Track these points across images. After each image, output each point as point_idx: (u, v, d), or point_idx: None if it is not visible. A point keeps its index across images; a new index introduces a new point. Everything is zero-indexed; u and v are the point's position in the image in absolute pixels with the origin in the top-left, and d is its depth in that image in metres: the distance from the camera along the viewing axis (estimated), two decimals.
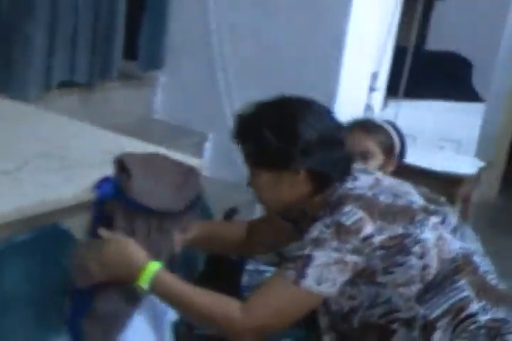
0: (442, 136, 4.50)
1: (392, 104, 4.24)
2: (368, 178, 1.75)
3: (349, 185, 1.71)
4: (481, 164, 3.93)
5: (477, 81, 4.88)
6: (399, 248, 1.64)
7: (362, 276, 1.66)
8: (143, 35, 3.82)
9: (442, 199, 1.83)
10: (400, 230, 1.64)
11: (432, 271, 1.67)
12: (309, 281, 1.60)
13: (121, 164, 1.67)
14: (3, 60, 3.27)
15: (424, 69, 4.67)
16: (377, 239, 1.62)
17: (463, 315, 1.69)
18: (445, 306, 1.68)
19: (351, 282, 1.67)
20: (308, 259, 1.61)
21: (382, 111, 4.13)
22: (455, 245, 1.71)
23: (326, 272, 1.60)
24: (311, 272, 1.60)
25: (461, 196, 3.89)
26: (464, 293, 1.69)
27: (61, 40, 3.36)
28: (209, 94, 3.86)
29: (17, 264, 2.09)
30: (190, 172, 1.72)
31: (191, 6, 3.83)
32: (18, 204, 2.11)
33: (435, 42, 5.27)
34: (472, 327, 1.69)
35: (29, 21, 3.22)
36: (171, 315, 1.87)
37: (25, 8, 3.19)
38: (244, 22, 3.67)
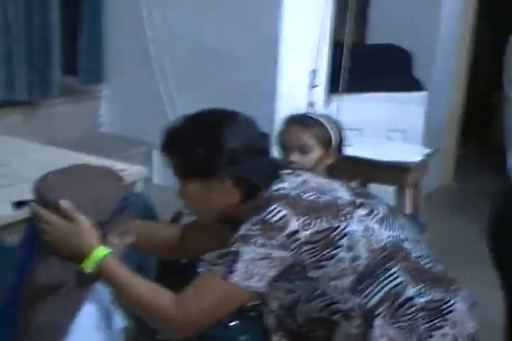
0: (388, 126, 4.55)
1: (336, 100, 4.29)
2: (295, 180, 1.80)
3: (275, 187, 1.76)
4: (427, 151, 3.99)
5: (418, 71, 4.95)
6: (326, 242, 1.67)
7: (293, 272, 1.70)
8: (80, 49, 3.84)
9: (370, 192, 1.89)
10: (324, 224, 1.68)
11: (362, 261, 1.70)
12: (237, 276, 1.63)
13: (38, 190, 1.67)
14: None
15: (366, 63, 4.73)
16: (303, 235, 1.66)
17: (400, 300, 1.73)
18: (381, 294, 1.72)
19: (285, 278, 1.71)
20: (236, 255, 1.64)
21: (325, 107, 4.18)
22: (383, 235, 1.75)
23: (253, 267, 1.63)
24: (239, 267, 1.63)
25: (411, 183, 3.95)
26: (398, 280, 1.73)
27: None
28: (152, 103, 3.89)
29: None
30: (110, 177, 1.72)
31: (125, 18, 3.86)
32: None
33: (375, 37, 5.34)
34: (411, 310, 1.73)
35: None
36: (120, 320, 1.88)
37: None
38: (179, 29, 3.71)
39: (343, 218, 1.70)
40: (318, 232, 1.67)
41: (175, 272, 2.44)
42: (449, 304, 1.79)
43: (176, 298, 1.64)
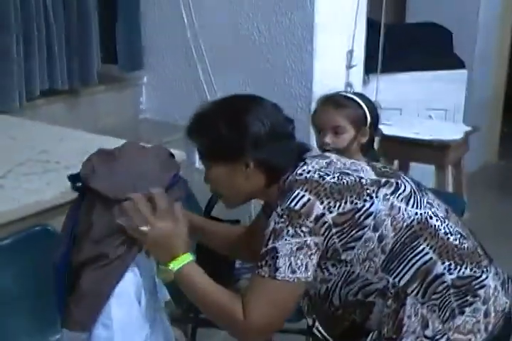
0: (429, 106, 4.53)
1: (375, 79, 4.28)
2: (319, 162, 1.81)
3: (299, 170, 1.78)
4: (467, 129, 3.97)
5: (459, 49, 4.90)
6: (352, 222, 1.69)
7: (327, 258, 1.73)
8: (119, 37, 3.88)
9: (396, 170, 1.91)
10: (348, 206, 1.69)
11: (390, 240, 1.72)
12: (283, 272, 1.65)
13: (88, 162, 1.74)
14: None
15: (406, 42, 4.71)
16: (329, 217, 1.68)
17: (430, 277, 1.75)
18: (411, 272, 1.74)
19: (320, 266, 1.73)
20: (274, 252, 1.66)
21: (363, 87, 4.17)
22: (409, 212, 1.75)
23: (294, 259, 1.66)
24: (282, 263, 1.65)
25: (451, 162, 3.94)
26: (427, 257, 1.75)
27: (37, 50, 3.42)
28: (192, 89, 3.92)
29: (7, 265, 2.18)
30: (163, 156, 1.78)
31: (163, 4, 3.90)
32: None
33: (415, 16, 5.30)
34: (441, 287, 1.75)
35: (3, 34, 3.28)
36: (163, 294, 1.93)
37: None
38: (215, 13, 3.73)
39: (367, 198, 1.72)
40: (343, 214, 1.69)
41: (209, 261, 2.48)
42: (479, 280, 1.80)
43: (243, 305, 1.66)
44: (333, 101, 2.54)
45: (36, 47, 3.42)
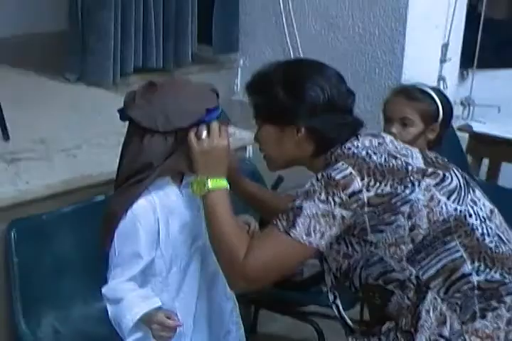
0: None
1: (480, 75, 4.17)
2: (372, 140, 1.78)
3: (348, 144, 1.76)
4: None
5: None
6: (386, 206, 1.65)
7: (353, 234, 1.70)
8: (216, 19, 3.93)
9: (449, 163, 1.83)
10: (387, 189, 1.66)
11: (422, 231, 1.67)
12: (299, 231, 1.64)
13: (131, 92, 1.87)
14: (80, 48, 3.50)
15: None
16: (365, 196, 1.64)
17: (456, 275, 1.70)
18: (437, 266, 1.69)
19: (344, 240, 1.72)
20: (298, 210, 1.66)
21: (460, 82, 4.10)
22: (449, 207, 1.70)
23: (314, 223, 1.64)
24: (301, 222, 1.64)
25: None
26: (457, 254, 1.69)
27: (133, 28, 3.54)
28: None
29: (69, 232, 2.29)
30: (204, 90, 1.85)
31: None
32: (65, 177, 2.32)
33: None
34: (465, 287, 1.70)
35: (102, 12, 3.42)
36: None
37: None
38: (309, 0, 3.75)
39: (409, 184, 1.67)
40: (380, 195, 1.65)
41: None
42: (508, 286, 1.73)
43: (247, 251, 1.68)
44: (407, 92, 2.50)
45: (133, 26, 3.54)
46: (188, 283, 1.93)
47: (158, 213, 1.83)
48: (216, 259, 1.80)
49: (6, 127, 2.64)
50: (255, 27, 4.02)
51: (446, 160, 1.85)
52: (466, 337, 1.69)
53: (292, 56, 3.86)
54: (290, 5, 3.81)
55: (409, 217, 1.67)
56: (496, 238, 1.75)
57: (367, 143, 1.76)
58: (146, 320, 1.79)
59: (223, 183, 1.79)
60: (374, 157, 1.71)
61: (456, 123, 3.99)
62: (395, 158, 1.73)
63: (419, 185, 1.69)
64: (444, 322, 1.70)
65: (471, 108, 3.98)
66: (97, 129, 2.78)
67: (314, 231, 1.65)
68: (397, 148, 1.79)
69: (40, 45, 3.81)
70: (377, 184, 1.66)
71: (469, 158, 3.79)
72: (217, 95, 1.88)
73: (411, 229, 1.68)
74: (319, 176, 1.68)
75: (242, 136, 2.87)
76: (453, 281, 1.70)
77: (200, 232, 1.90)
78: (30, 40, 3.80)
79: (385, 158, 1.71)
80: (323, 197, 1.65)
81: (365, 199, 1.65)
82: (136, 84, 3.61)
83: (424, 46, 3.59)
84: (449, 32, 3.65)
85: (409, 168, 1.71)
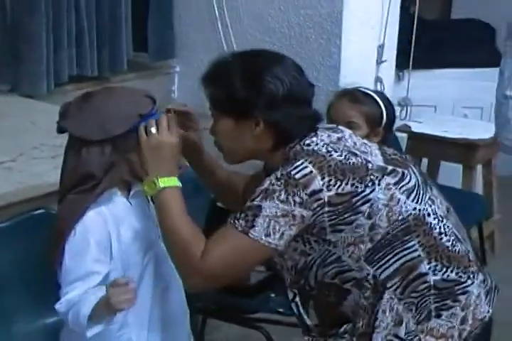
0: (465, 103, 4.44)
1: (416, 75, 4.22)
2: (331, 135, 1.74)
3: (307, 141, 1.71)
4: None
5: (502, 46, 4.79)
6: (347, 206, 1.63)
7: (312, 233, 1.67)
8: (150, 26, 3.89)
9: (407, 160, 1.81)
10: (348, 188, 1.63)
11: (381, 230, 1.66)
12: (257, 231, 1.61)
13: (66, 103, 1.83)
14: (11, 58, 3.41)
15: (447, 38, 4.64)
16: (325, 195, 1.61)
17: (413, 275, 1.69)
18: (395, 266, 1.68)
19: (302, 238, 1.69)
20: (257, 209, 1.62)
21: (397, 83, 4.13)
22: (408, 206, 1.69)
23: (274, 223, 1.61)
24: (260, 222, 1.61)
25: (480, 161, 3.86)
26: (415, 254, 1.69)
27: (66, 36, 3.47)
28: None
29: (7, 246, 2.21)
30: (134, 94, 1.82)
31: None
32: (1, 191, 2.25)
33: (460, 13, 5.21)
34: (422, 286, 1.70)
35: (33, 18, 3.33)
36: None
37: (28, 5, 3.31)
38: (244, 5, 3.73)
39: (369, 183, 1.65)
40: (340, 195, 1.62)
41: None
42: (463, 285, 1.75)
43: (204, 250, 1.64)
44: (350, 95, 2.49)
45: (65, 33, 3.46)
46: (142, 295, 1.87)
47: (110, 225, 1.79)
48: (170, 258, 1.75)
49: None
50: (191, 33, 3.99)
51: (404, 156, 1.83)
52: (421, 336, 1.70)
53: None
54: (225, 10, 3.78)
55: (369, 217, 1.65)
56: (452, 237, 1.75)
57: (326, 139, 1.72)
58: (104, 303, 1.71)
59: (174, 181, 1.74)
60: (334, 154, 1.67)
61: (395, 124, 4.04)
62: (355, 155, 1.70)
63: (379, 183, 1.66)
64: (401, 323, 1.70)
65: (409, 108, 4.02)
66: (32, 141, 2.72)
67: (274, 231, 1.62)
68: (356, 143, 1.76)
69: None
70: (338, 183, 1.63)
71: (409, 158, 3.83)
72: (154, 101, 1.82)
73: (370, 229, 1.66)
74: (279, 175, 1.64)
75: None
76: (410, 281, 1.70)
77: (153, 241, 1.87)
78: None
79: (346, 156, 1.68)
80: (282, 196, 1.61)
81: (326, 199, 1.62)
82: (72, 93, 3.60)
83: (360, 48, 3.60)
84: (384, 33, 3.67)
85: (369, 165, 1.68)
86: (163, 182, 1.72)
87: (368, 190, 1.64)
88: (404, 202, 1.68)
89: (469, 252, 1.79)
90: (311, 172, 1.63)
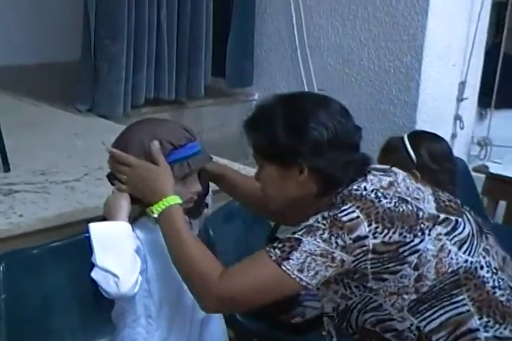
0: None
1: (499, 114, 4.09)
2: (381, 179, 1.68)
3: (355, 186, 1.64)
4: None
5: None
6: (392, 255, 1.56)
7: (352, 278, 1.61)
8: (229, 54, 3.90)
9: (462, 207, 1.72)
10: (395, 237, 1.56)
11: (428, 282, 1.58)
12: (291, 265, 1.55)
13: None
14: (92, 79, 3.47)
15: None
16: (370, 242, 1.55)
17: (461, 330, 1.59)
18: (442, 319, 1.60)
19: (342, 282, 1.63)
20: (296, 243, 1.56)
21: (478, 122, 4.02)
22: (459, 258, 1.60)
23: (310, 260, 1.55)
24: (296, 256, 1.55)
25: None
26: (464, 308, 1.60)
27: (146, 59, 3.51)
28: None
29: (59, 267, 2.23)
30: (173, 125, 1.82)
31: (275, 22, 3.91)
32: (61, 211, 2.27)
33: None
34: None
35: (115, 41, 3.40)
36: None
37: (111, 28, 3.38)
38: (325, 35, 3.71)
39: (418, 233, 1.57)
40: (387, 243, 1.56)
41: None
42: None
43: (225, 270, 1.59)
44: (385, 144, 2.42)
45: (145, 57, 3.51)
46: (178, 328, 1.86)
47: (143, 249, 1.77)
48: (183, 280, 1.68)
49: (7, 159, 2.60)
50: (270, 61, 4.00)
51: (459, 202, 1.74)
52: None
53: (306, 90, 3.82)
54: (306, 40, 3.77)
55: (416, 268, 1.57)
56: (508, 291, 1.65)
57: (376, 183, 1.65)
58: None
59: (172, 200, 1.69)
60: (384, 201, 1.60)
61: (472, 164, 3.92)
62: (406, 202, 1.62)
63: (429, 233, 1.58)
64: None
65: (489, 148, 3.89)
66: (99, 162, 2.73)
67: (308, 268, 1.55)
68: (408, 189, 1.67)
69: (54, 74, 3.82)
70: (385, 231, 1.56)
71: (485, 200, 3.70)
72: (190, 134, 1.79)
73: (417, 280, 1.58)
74: (326, 214, 1.58)
75: (246, 171, 2.79)
76: (458, 336, 1.60)
77: None
78: (43, 69, 3.82)
79: (396, 203, 1.61)
80: (326, 235, 1.55)
81: (371, 246, 1.55)
82: (147, 116, 3.64)
83: (440, 84, 3.53)
84: (466, 70, 3.59)
85: (420, 214, 1.61)
86: (159, 206, 1.68)
87: (416, 240, 1.57)
88: (456, 254, 1.60)
89: None
90: (358, 217, 1.56)
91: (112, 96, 3.45)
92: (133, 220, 1.76)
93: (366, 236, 1.55)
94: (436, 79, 3.49)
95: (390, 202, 1.60)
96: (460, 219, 1.65)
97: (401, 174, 1.74)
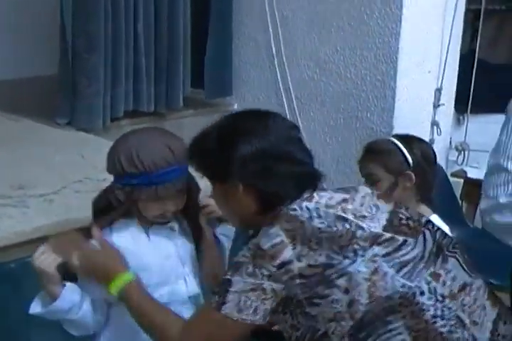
0: None
1: (475, 120, 4.12)
2: (334, 197, 1.62)
3: (296, 205, 1.59)
4: None
5: None
6: (319, 278, 1.51)
7: (292, 305, 1.57)
8: (208, 64, 3.90)
9: (425, 226, 1.65)
10: (321, 259, 1.51)
11: (361, 308, 1.51)
12: (229, 308, 1.54)
13: None
14: (69, 94, 3.47)
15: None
16: (296, 266, 1.51)
17: None
18: None
19: (289, 310, 1.58)
20: (227, 284, 1.55)
21: (455, 127, 4.05)
22: (395, 282, 1.53)
23: (245, 299, 1.53)
24: (231, 298, 1.54)
25: None
26: (399, 337, 1.53)
27: (123, 71, 3.52)
28: None
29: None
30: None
31: (252, 32, 3.93)
32: (39, 224, 2.27)
33: None
34: None
35: (92, 54, 3.40)
36: None
37: (88, 40, 3.38)
38: (302, 45, 3.73)
39: (350, 254, 1.51)
40: (313, 266, 1.51)
41: None
42: None
43: (183, 328, 1.63)
44: (370, 147, 2.41)
45: (123, 69, 3.52)
46: None
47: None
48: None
49: None
50: (249, 71, 4.00)
51: (423, 221, 1.67)
52: None
53: (285, 100, 3.84)
54: (282, 49, 3.79)
55: (347, 292, 1.51)
56: (452, 321, 1.55)
57: (322, 201, 1.59)
58: None
59: (123, 278, 1.72)
60: (316, 221, 1.54)
61: (451, 169, 3.95)
62: (345, 220, 1.55)
63: (363, 254, 1.52)
64: None
65: (466, 153, 3.93)
66: (78, 174, 2.75)
67: (246, 306, 1.54)
68: (362, 206, 1.61)
69: (32, 89, 3.82)
70: (311, 253, 1.51)
71: (464, 205, 3.73)
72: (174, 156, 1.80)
73: (349, 305, 1.52)
74: (250, 245, 1.56)
75: None
76: None
77: (167, 279, 1.89)
78: (21, 84, 3.82)
79: (330, 222, 1.54)
80: (250, 269, 1.53)
81: (296, 271, 1.51)
82: (127, 128, 3.64)
83: (416, 91, 3.55)
84: (442, 76, 3.61)
85: (359, 233, 1.54)
86: (114, 285, 1.72)
87: (346, 262, 1.51)
88: (392, 277, 1.53)
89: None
90: (282, 241, 1.52)
91: (90, 109, 3.46)
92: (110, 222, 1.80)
93: (290, 261, 1.51)
94: (412, 85, 3.52)
95: (323, 223, 1.54)
96: (410, 240, 1.59)
97: (363, 192, 1.69)
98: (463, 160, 3.94)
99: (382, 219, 1.61)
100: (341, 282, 1.51)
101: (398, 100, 3.48)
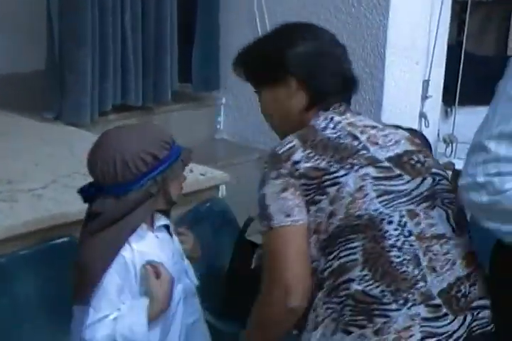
0: None
1: (463, 111, 4.13)
2: (364, 120, 1.77)
3: (324, 115, 1.73)
4: None
5: None
6: (317, 183, 1.61)
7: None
8: (195, 58, 3.91)
9: (432, 169, 1.72)
10: (323, 163, 1.62)
11: (335, 221, 1.59)
12: (276, 219, 1.60)
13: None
14: (57, 87, 3.46)
15: (498, 75, 4.54)
16: (302, 166, 1.62)
17: (343, 278, 1.58)
18: (334, 266, 1.60)
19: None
20: (263, 199, 1.63)
21: (444, 119, 4.06)
22: (371, 204, 1.59)
23: (283, 202, 1.60)
24: (272, 210, 1.60)
25: None
26: (352, 257, 1.58)
27: (111, 65, 3.51)
28: None
29: (31, 274, 2.23)
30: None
31: (241, 25, 3.92)
32: (27, 219, 2.26)
33: None
34: (343, 293, 1.58)
35: (79, 49, 3.38)
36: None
37: (76, 36, 3.37)
38: None
39: (347, 166, 1.62)
40: (314, 169, 1.62)
41: (245, 277, 2.45)
42: (383, 307, 1.55)
43: (263, 261, 1.66)
44: None
45: (111, 63, 3.50)
46: (173, 330, 1.87)
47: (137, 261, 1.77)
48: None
49: None
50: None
51: (434, 170, 1.73)
52: None
53: None
54: None
55: (331, 203, 1.60)
56: (408, 256, 1.59)
57: (349, 119, 1.74)
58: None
59: None
60: (327, 131, 1.70)
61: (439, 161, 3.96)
62: (356, 139, 1.69)
63: (357, 170, 1.62)
64: (316, 328, 1.60)
65: (454, 145, 3.94)
66: (67, 169, 2.74)
67: (289, 209, 1.60)
68: (386, 137, 1.73)
69: (19, 84, 3.81)
70: (316, 156, 1.63)
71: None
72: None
73: (329, 216, 1.60)
74: (267, 158, 1.68)
75: (214, 175, 2.83)
76: (337, 285, 1.59)
77: (180, 275, 1.88)
78: (9, 79, 3.80)
79: (339, 135, 1.69)
80: (274, 174, 1.63)
81: (302, 170, 1.62)
82: (115, 123, 3.63)
83: (404, 83, 3.55)
84: (429, 68, 3.62)
85: (362, 152, 1.66)
86: None
87: (341, 172, 1.61)
88: (370, 199, 1.60)
89: (419, 281, 1.57)
90: (294, 145, 1.65)
91: (78, 104, 3.44)
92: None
93: (299, 161, 1.63)
94: (400, 77, 3.52)
95: (334, 134, 1.69)
96: (405, 176, 1.66)
97: (401, 133, 1.79)
98: (451, 152, 3.95)
99: (392, 151, 1.70)
100: (331, 190, 1.60)
101: (386, 92, 3.48)
